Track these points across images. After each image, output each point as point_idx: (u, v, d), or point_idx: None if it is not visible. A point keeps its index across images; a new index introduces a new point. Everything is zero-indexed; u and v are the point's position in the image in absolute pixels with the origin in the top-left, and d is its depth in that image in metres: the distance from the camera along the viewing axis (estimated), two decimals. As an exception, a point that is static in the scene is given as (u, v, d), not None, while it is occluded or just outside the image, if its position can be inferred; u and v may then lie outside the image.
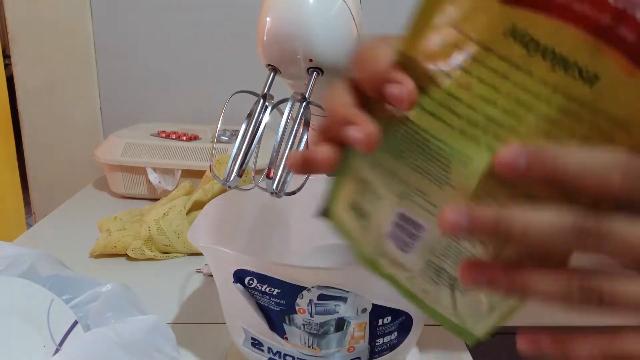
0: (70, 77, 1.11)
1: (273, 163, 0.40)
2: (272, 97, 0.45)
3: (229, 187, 0.43)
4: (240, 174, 0.43)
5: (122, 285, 0.48)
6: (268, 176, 0.40)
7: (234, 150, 0.43)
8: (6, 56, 1.15)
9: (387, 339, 0.42)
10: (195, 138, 0.96)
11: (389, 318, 0.41)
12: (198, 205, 0.76)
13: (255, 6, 0.46)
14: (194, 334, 0.54)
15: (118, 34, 1.10)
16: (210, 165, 0.63)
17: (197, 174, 0.89)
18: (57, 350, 0.42)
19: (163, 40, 1.10)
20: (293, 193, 0.42)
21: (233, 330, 0.45)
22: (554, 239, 0.21)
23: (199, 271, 0.69)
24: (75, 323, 0.44)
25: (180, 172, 0.92)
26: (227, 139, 0.95)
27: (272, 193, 0.41)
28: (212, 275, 0.67)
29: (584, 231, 0.21)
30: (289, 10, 0.44)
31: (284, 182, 0.41)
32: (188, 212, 0.74)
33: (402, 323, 0.42)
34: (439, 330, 0.57)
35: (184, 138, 0.95)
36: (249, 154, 0.43)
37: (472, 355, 0.53)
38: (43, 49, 1.09)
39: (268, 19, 0.44)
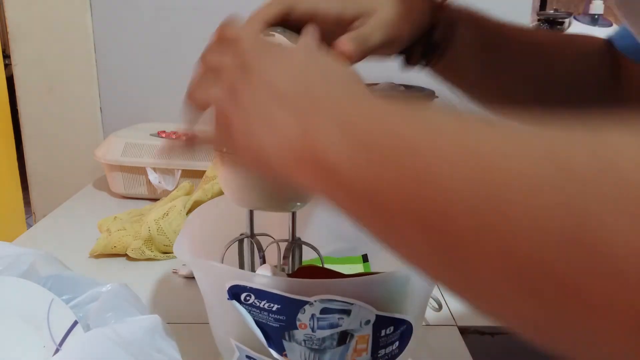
0: (70, 77, 1.11)
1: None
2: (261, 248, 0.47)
3: None
4: None
5: (122, 285, 0.48)
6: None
7: None
8: (6, 56, 1.15)
9: (389, 349, 0.41)
10: (195, 138, 0.96)
11: (392, 328, 0.40)
12: (198, 206, 0.76)
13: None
14: (194, 334, 0.54)
15: (118, 34, 1.09)
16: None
17: (197, 174, 0.89)
18: (57, 350, 0.42)
19: (163, 40, 1.10)
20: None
21: (224, 347, 0.43)
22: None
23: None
24: (75, 323, 0.44)
25: (180, 172, 0.92)
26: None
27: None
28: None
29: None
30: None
31: None
32: (188, 212, 0.74)
33: (403, 332, 0.41)
34: (437, 332, 0.57)
35: (184, 138, 0.95)
36: None
37: (472, 355, 0.53)
38: (43, 49, 1.09)
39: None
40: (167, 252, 0.73)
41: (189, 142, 0.40)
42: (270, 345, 0.39)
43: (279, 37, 0.41)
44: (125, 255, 0.72)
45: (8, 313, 0.43)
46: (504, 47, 0.53)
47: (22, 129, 1.13)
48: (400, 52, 0.50)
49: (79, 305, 0.46)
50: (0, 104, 1.13)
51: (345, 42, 0.41)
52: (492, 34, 0.52)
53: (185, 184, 0.83)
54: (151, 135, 0.97)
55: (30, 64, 1.10)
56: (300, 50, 0.36)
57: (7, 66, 1.15)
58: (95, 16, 1.08)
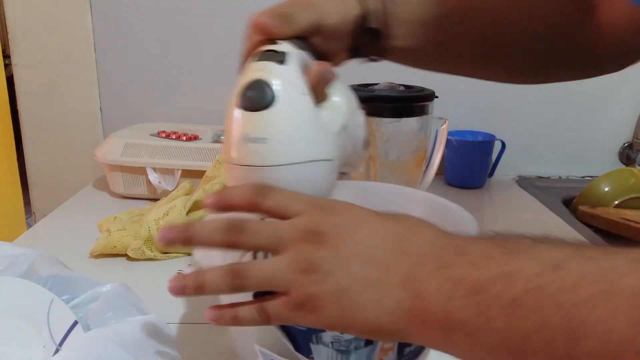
0: (70, 77, 1.11)
1: None
2: None
3: None
4: None
5: (122, 285, 0.48)
6: None
7: None
8: (6, 56, 1.15)
9: (414, 346, 0.40)
10: (195, 138, 0.96)
11: None
12: (198, 205, 0.76)
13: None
14: (194, 334, 0.54)
15: (118, 34, 1.09)
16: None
17: (197, 174, 0.89)
18: (57, 350, 0.42)
19: (163, 40, 1.10)
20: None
21: (245, 352, 0.43)
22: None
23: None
24: (75, 323, 0.44)
25: (180, 172, 0.92)
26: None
27: None
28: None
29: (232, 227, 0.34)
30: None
31: None
32: (188, 212, 0.74)
33: None
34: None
35: (184, 138, 0.95)
36: None
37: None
38: (43, 49, 1.09)
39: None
40: (167, 252, 0.73)
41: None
42: (296, 349, 0.39)
43: (285, 45, 0.41)
44: (125, 255, 0.72)
45: (8, 313, 0.43)
46: (451, 18, 0.52)
47: (22, 129, 1.13)
48: (354, 55, 0.51)
49: (79, 305, 0.46)
50: (0, 104, 1.13)
51: (261, 15, 0.41)
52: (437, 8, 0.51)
53: (185, 184, 0.83)
54: (151, 135, 0.97)
55: (30, 64, 1.10)
56: (369, 215, 0.34)
57: (7, 66, 1.15)
58: (95, 16, 1.08)
